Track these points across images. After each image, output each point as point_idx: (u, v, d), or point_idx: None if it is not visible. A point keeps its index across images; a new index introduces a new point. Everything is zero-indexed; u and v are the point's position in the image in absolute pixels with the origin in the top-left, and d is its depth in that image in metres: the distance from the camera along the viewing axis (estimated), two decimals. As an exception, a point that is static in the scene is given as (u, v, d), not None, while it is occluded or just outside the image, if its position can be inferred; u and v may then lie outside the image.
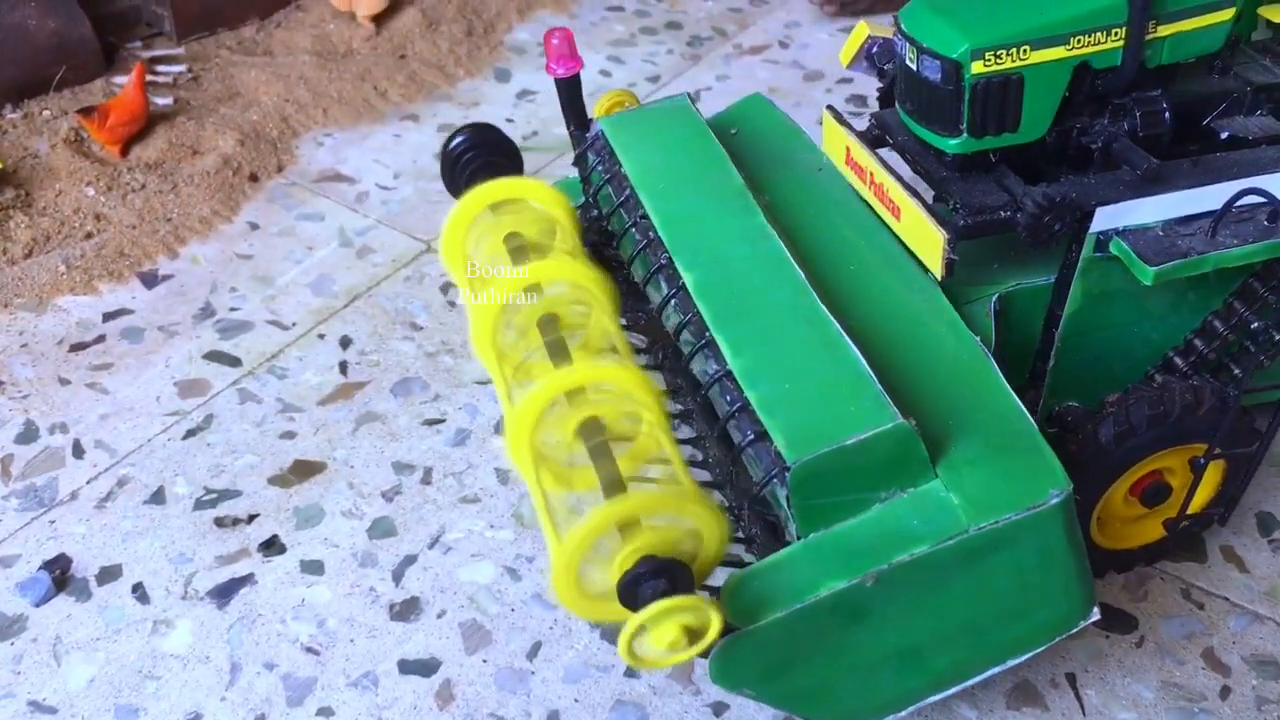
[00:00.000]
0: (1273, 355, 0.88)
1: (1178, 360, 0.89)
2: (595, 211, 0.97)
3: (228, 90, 1.49)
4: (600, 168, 0.95)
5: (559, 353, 0.81)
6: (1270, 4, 0.86)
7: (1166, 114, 0.83)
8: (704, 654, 0.67)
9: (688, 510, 0.68)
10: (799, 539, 0.71)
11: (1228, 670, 0.89)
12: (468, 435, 1.04)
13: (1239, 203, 0.79)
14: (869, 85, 1.19)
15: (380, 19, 1.63)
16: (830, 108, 0.91)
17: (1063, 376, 0.89)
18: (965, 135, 0.80)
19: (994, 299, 0.85)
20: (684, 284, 0.81)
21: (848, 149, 0.88)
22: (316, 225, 1.30)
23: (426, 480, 1.00)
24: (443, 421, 1.06)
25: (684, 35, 1.71)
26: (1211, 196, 0.81)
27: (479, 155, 0.99)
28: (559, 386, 0.74)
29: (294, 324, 1.16)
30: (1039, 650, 0.75)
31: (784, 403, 0.72)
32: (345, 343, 1.14)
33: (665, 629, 0.65)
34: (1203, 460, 0.86)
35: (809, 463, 0.68)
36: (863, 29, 0.96)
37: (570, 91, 0.98)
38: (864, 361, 0.73)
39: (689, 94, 1.00)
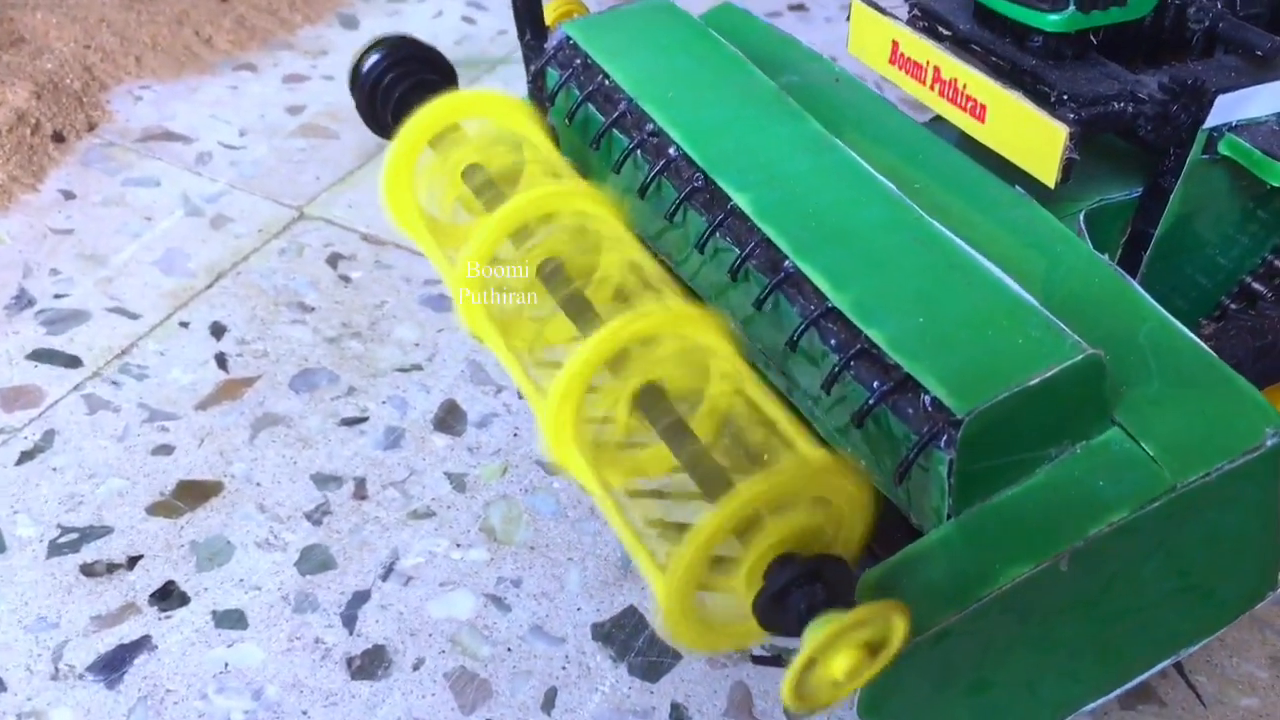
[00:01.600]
0: None
1: (1257, 286, 0.77)
2: (562, 140, 0.77)
3: (8, 35, 1.19)
4: (572, 82, 0.76)
5: (579, 307, 0.61)
6: None
7: (1268, -5, 0.71)
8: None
9: (820, 483, 0.50)
10: (950, 516, 0.54)
11: (1332, 636, 0.78)
12: (400, 434, 0.82)
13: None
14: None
15: (193, -44, 1.36)
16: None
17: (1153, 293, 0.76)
18: (1072, 9, 0.65)
19: (1081, 217, 0.71)
20: (735, 208, 0.63)
21: (895, 44, 0.72)
22: (151, 192, 1.04)
23: (360, 494, 0.78)
24: (364, 420, 0.83)
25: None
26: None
27: (405, 75, 0.77)
28: (597, 355, 0.55)
29: (143, 311, 0.91)
30: (1224, 629, 0.60)
31: (925, 341, 0.54)
32: (218, 331, 0.89)
33: (840, 653, 0.47)
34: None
35: (983, 414, 0.51)
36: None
37: (526, -13, 0.77)
38: (1016, 285, 0.56)
39: (666, -7, 0.81)
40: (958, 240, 0.59)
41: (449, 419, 0.84)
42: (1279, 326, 0.73)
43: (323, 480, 0.78)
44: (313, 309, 0.92)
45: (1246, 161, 0.67)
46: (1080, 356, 0.52)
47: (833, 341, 0.58)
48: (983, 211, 0.66)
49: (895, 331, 0.55)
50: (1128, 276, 0.63)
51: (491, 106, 0.71)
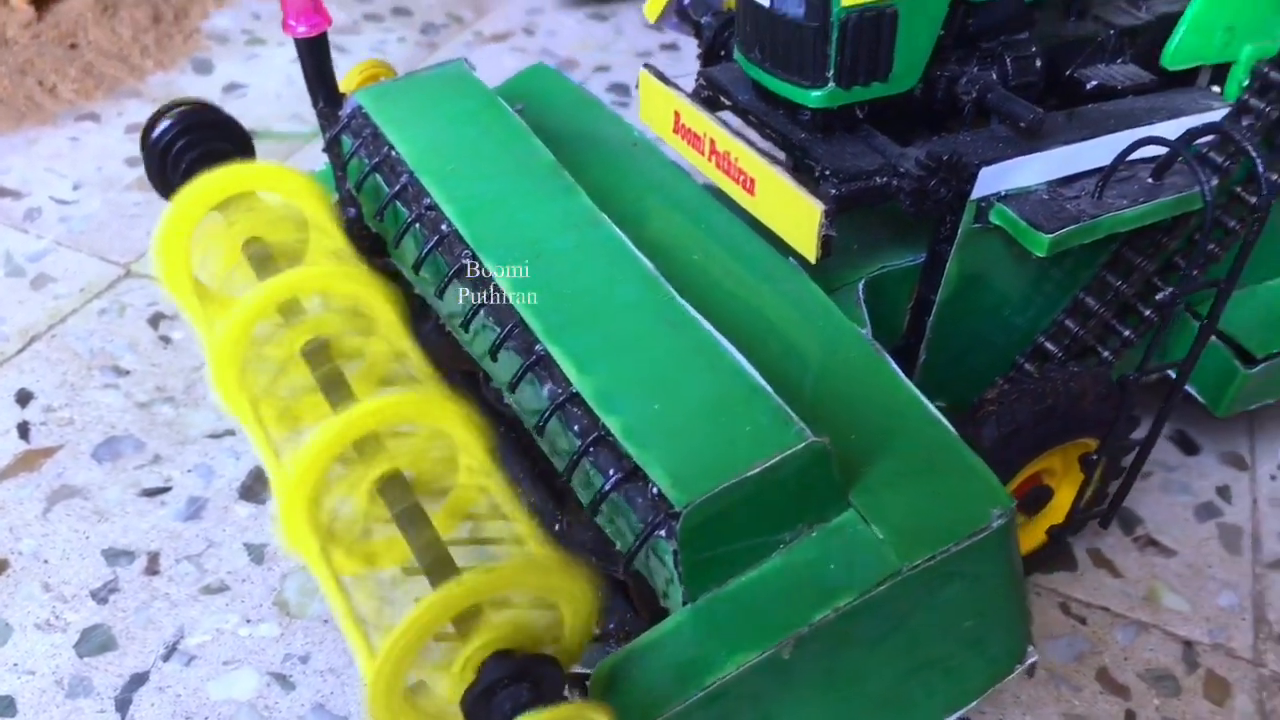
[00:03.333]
0: (1143, 333, 0.79)
1: (1049, 346, 0.78)
2: (355, 210, 0.77)
3: None
4: (362, 152, 0.75)
5: (336, 388, 0.61)
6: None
7: (1038, 61, 0.72)
8: None
9: (543, 582, 0.50)
10: (686, 603, 0.54)
11: (1127, 692, 0.79)
12: (202, 505, 0.81)
13: (1129, 157, 0.69)
14: (630, 74, 1.04)
15: (42, 2, 1.34)
16: (649, 66, 0.75)
17: (934, 372, 0.76)
18: (832, 85, 0.65)
19: (861, 285, 0.71)
20: (497, 286, 0.63)
21: (677, 114, 0.72)
22: (-29, 251, 1.02)
23: (152, 569, 0.76)
24: (167, 490, 0.82)
25: (415, 22, 1.52)
26: (1092, 153, 0.70)
27: (196, 141, 0.76)
28: (343, 434, 0.54)
29: (-54, 378, 0.89)
30: (974, 703, 0.61)
31: (658, 429, 0.54)
32: (24, 398, 0.88)
33: (541, 753, 0.47)
34: (1096, 455, 0.75)
35: (701, 505, 0.51)
36: (669, -24, 0.81)
37: (316, 56, 0.77)
38: (752, 369, 0.56)
39: (463, 58, 0.81)
40: (704, 323, 0.59)
41: (256, 486, 0.83)
42: (1060, 390, 0.74)
43: (114, 556, 0.77)
44: (128, 372, 0.91)
45: (1013, 231, 0.68)
46: (802, 445, 0.53)
47: (576, 427, 0.58)
48: (753, 285, 0.67)
49: (630, 419, 0.55)
50: (883, 352, 0.63)
51: (277, 180, 0.71)
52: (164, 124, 0.77)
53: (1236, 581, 0.88)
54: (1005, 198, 0.69)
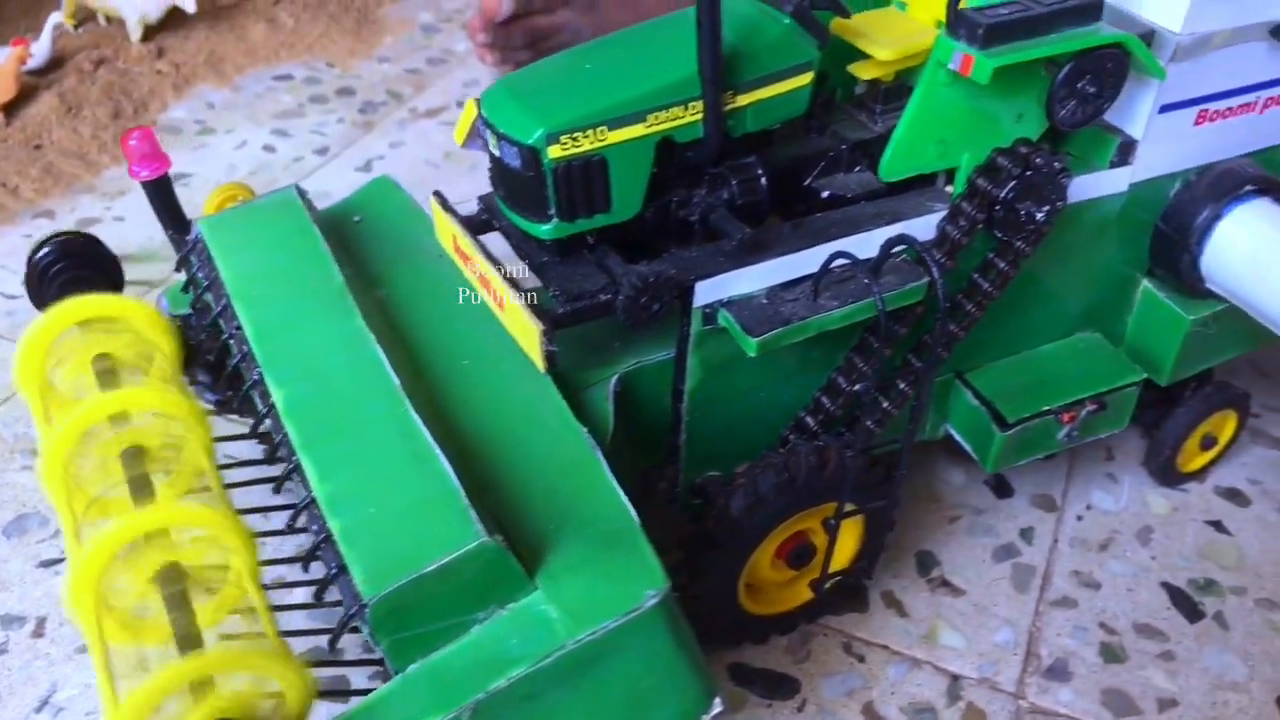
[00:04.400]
0: (883, 417, 0.88)
1: (809, 420, 0.89)
2: (199, 321, 0.90)
3: None
4: (201, 273, 0.88)
5: (142, 489, 0.74)
6: (858, 61, 0.87)
7: (762, 180, 0.82)
8: None
9: (268, 668, 0.62)
10: (396, 673, 0.66)
11: (887, 724, 0.89)
12: (93, 572, 0.95)
13: (835, 264, 0.79)
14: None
15: (10, 107, 1.50)
16: (437, 193, 0.87)
17: (699, 447, 0.87)
18: (555, 220, 0.77)
19: (614, 380, 0.82)
20: (273, 401, 0.75)
21: (454, 236, 0.84)
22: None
23: (39, 632, 0.90)
24: (62, 560, 0.96)
25: (357, 101, 1.65)
26: (813, 259, 0.81)
27: (68, 268, 0.90)
28: (136, 527, 0.67)
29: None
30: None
31: (367, 530, 0.67)
32: (-52, 481, 1.03)
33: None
34: (832, 521, 0.86)
35: (387, 597, 0.63)
36: (472, 106, 0.93)
37: (160, 193, 0.90)
38: (453, 475, 0.68)
39: (296, 185, 0.94)
40: (426, 435, 0.71)
41: (141, 555, 0.96)
42: (800, 462, 0.84)
43: (8, 621, 0.91)
44: (46, 454, 1.05)
45: (731, 333, 0.79)
46: (475, 544, 0.64)
47: (315, 525, 0.70)
48: (500, 388, 0.79)
49: (348, 522, 0.67)
50: (595, 449, 0.74)
51: (128, 311, 0.84)
52: (45, 249, 0.91)
53: (1017, 619, 0.97)
54: (729, 303, 0.80)
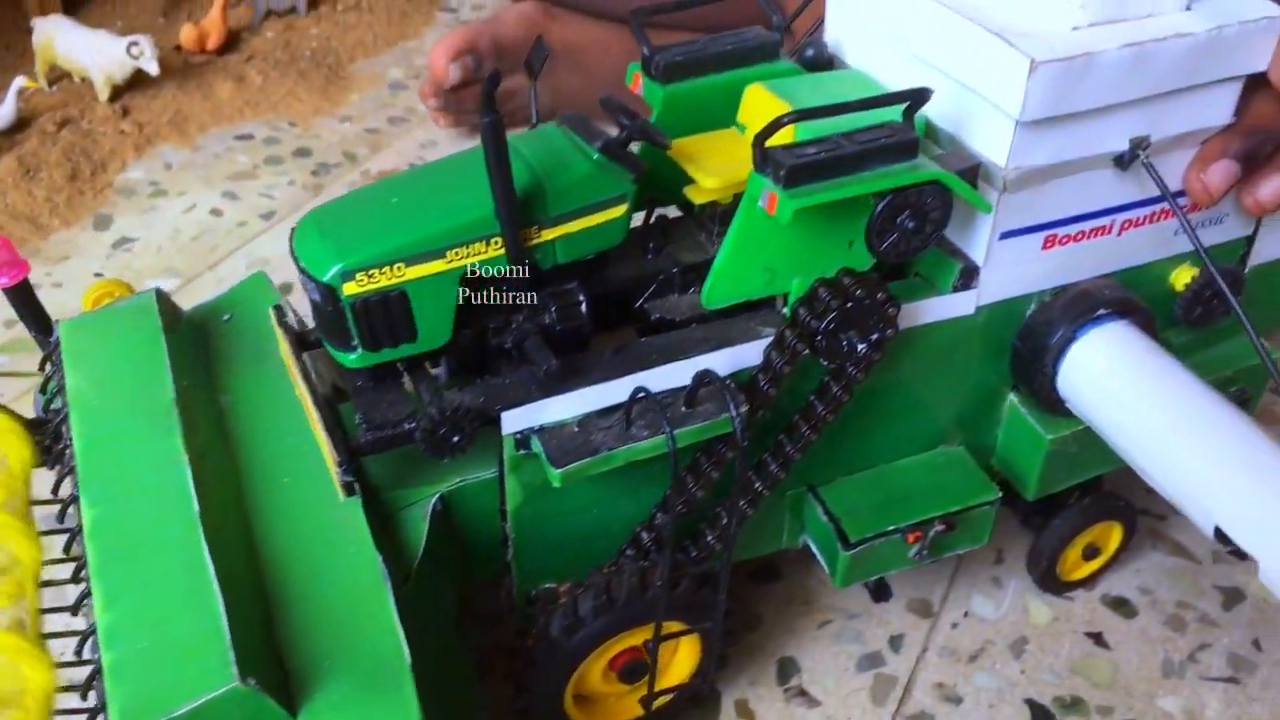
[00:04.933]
0: (739, 520, 0.89)
1: (644, 536, 0.89)
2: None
3: None
4: (55, 378, 0.91)
5: None
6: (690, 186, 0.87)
7: (583, 307, 0.83)
8: None
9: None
10: None
11: (715, 842, 0.89)
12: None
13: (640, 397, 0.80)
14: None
15: (-30, 171, 1.56)
16: (276, 307, 0.89)
17: (532, 561, 0.88)
18: (360, 350, 0.78)
19: (434, 500, 0.83)
20: (82, 522, 0.78)
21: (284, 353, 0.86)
22: None
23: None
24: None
25: (311, 163, 1.68)
26: (630, 387, 0.81)
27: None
28: None
29: None
30: None
31: (134, 666, 0.68)
32: None
33: None
34: (651, 645, 0.86)
35: (137, 737, 0.65)
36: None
37: (21, 298, 0.93)
38: (223, 613, 0.70)
39: (157, 289, 0.96)
40: (211, 566, 0.72)
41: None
42: (624, 585, 0.85)
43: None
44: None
45: (542, 460, 0.80)
46: (227, 688, 0.66)
47: (96, 656, 0.72)
48: (310, 510, 0.80)
49: (120, 655, 0.69)
50: (386, 579, 0.75)
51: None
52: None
53: (867, 735, 0.97)
54: (541, 430, 0.80)
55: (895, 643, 1.05)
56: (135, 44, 1.65)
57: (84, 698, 0.71)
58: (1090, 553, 1.08)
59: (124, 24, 1.97)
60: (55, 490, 0.84)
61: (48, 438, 0.88)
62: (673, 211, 0.95)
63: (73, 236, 1.50)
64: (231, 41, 1.91)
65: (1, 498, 0.83)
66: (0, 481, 0.84)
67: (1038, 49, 0.76)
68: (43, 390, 0.93)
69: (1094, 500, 1.05)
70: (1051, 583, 1.08)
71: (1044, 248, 0.88)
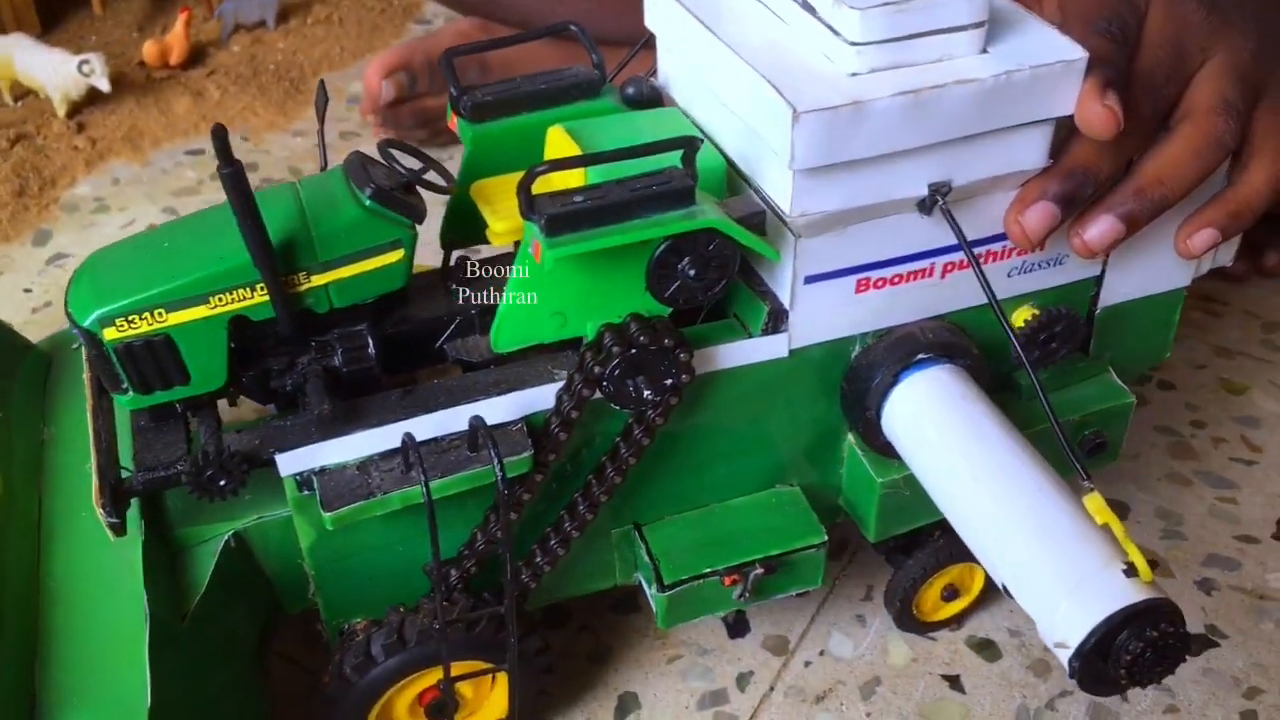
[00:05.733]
0: (552, 561, 0.88)
1: (452, 573, 0.89)
2: None
3: None
4: None
5: None
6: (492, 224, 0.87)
7: (370, 348, 0.83)
8: None
9: None
10: None
11: None
12: None
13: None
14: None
15: (-81, 187, 1.60)
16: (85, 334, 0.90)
17: (338, 596, 0.88)
18: (131, 393, 0.79)
19: (227, 537, 0.84)
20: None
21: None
22: None
23: None
24: None
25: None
26: (417, 428, 0.81)
27: None
28: None
29: None
30: None
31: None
32: None
33: None
34: (441, 685, 0.86)
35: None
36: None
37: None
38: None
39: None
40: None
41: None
42: (416, 624, 0.85)
43: None
44: None
45: (318, 503, 0.80)
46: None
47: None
48: (100, 549, 0.81)
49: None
50: (146, 619, 0.76)
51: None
52: None
53: (692, 777, 0.96)
54: (322, 471, 0.81)
55: (742, 680, 1.03)
56: (86, 61, 1.69)
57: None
58: (950, 594, 1.06)
59: (98, 39, 2.02)
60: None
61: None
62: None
63: (10, 252, 1.54)
64: (196, 56, 1.94)
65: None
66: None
67: (805, 97, 0.74)
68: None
69: (949, 541, 1.02)
70: (909, 622, 1.06)
71: (857, 291, 0.86)
